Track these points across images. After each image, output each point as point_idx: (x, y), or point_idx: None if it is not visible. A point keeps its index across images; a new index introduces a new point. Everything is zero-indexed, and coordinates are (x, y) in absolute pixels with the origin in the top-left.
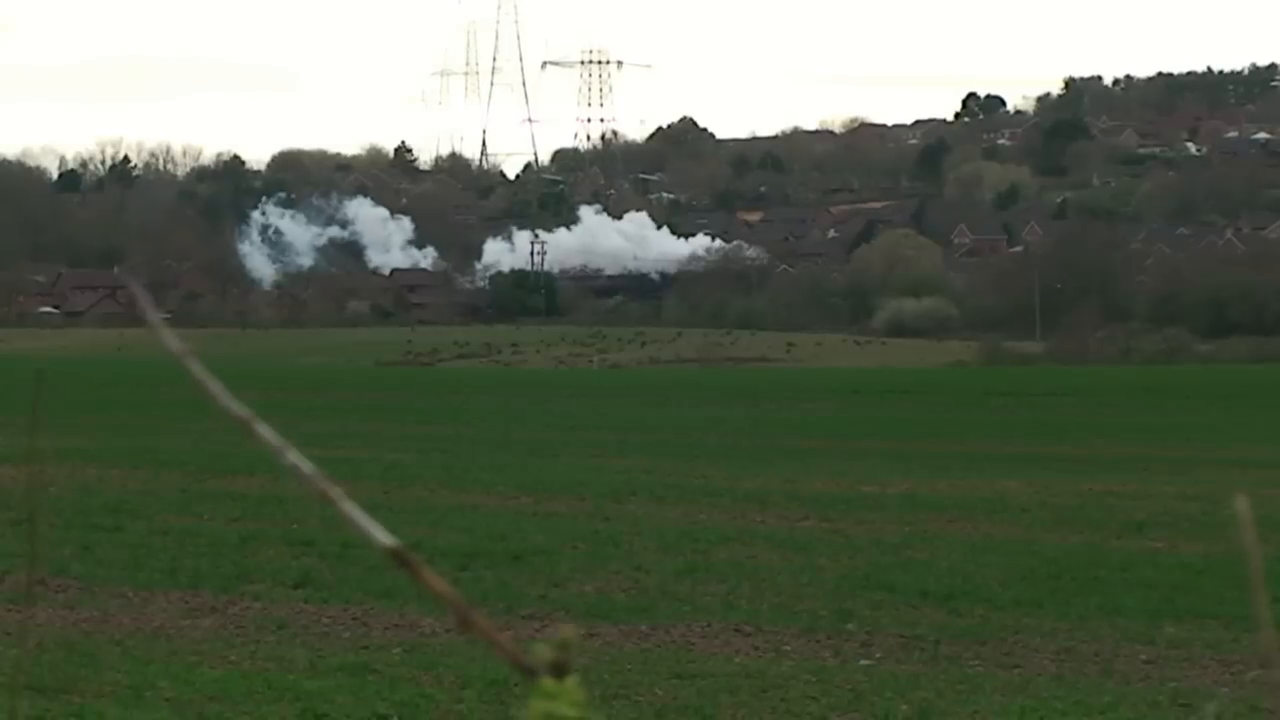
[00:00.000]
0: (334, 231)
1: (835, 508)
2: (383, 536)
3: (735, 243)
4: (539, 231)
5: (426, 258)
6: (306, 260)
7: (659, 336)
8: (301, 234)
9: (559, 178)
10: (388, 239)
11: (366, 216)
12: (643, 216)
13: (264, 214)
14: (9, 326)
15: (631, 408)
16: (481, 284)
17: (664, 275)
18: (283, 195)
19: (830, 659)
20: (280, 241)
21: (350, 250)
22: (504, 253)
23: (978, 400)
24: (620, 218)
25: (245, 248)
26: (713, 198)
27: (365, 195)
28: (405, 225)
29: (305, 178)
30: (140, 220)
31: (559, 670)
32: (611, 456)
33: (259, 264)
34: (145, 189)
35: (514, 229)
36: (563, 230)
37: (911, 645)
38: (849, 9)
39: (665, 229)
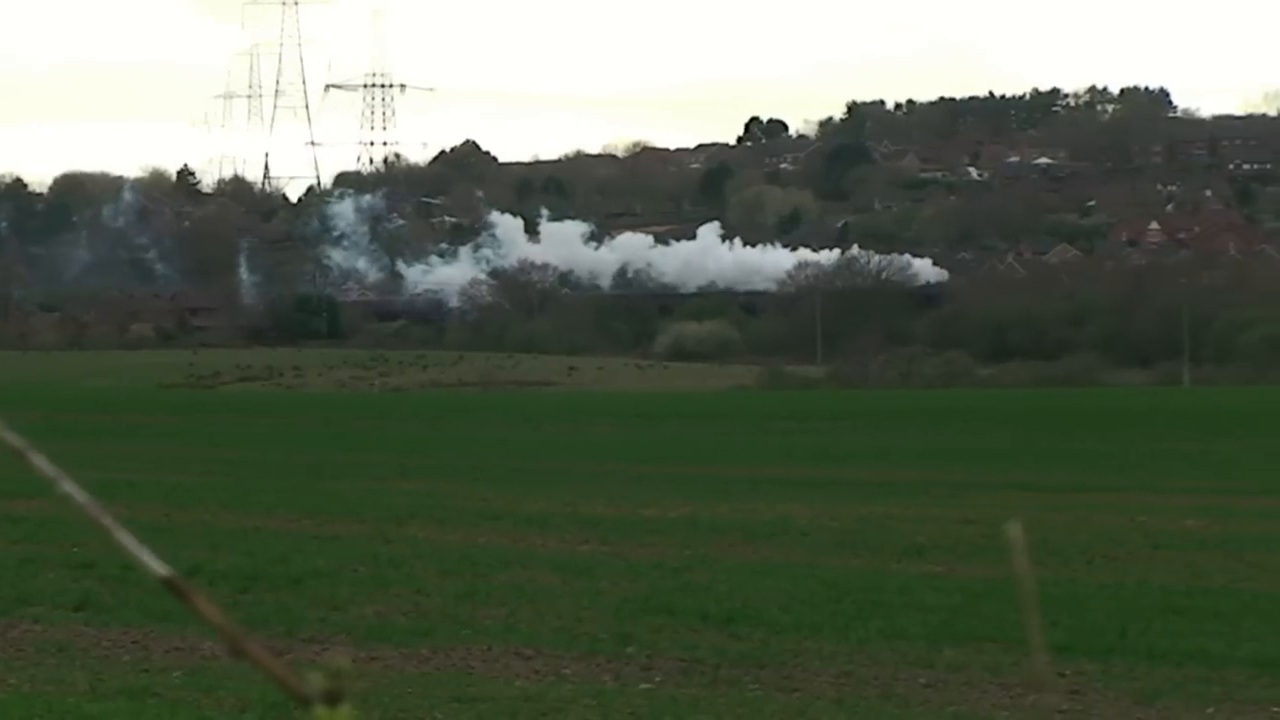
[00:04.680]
0: (94, 250)
1: (616, 531)
2: (156, 565)
3: (522, 260)
4: (327, 255)
5: (201, 280)
6: (68, 276)
7: (441, 360)
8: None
9: (341, 201)
10: (155, 255)
11: (132, 227)
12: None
13: None
14: None
15: (413, 431)
16: (262, 306)
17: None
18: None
19: (610, 682)
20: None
21: (108, 268)
22: (264, 276)
23: (759, 424)
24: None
25: None
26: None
27: (145, 217)
28: (172, 244)
29: (88, 199)
30: None
31: (333, 699)
32: (392, 480)
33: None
34: None
35: (248, 250)
36: (348, 252)
37: (691, 668)
38: (631, 32)
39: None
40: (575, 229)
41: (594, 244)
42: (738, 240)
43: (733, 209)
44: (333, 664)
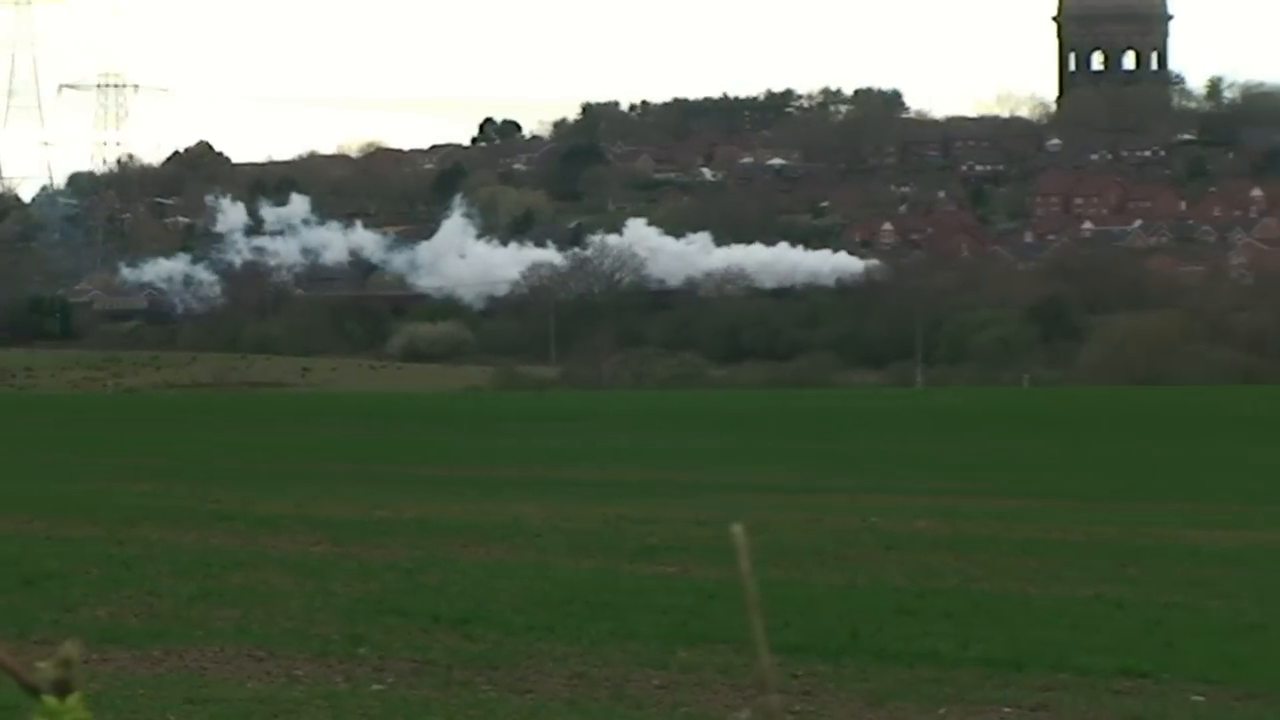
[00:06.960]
0: None
1: (348, 532)
2: None
3: (252, 259)
4: (57, 255)
5: None
6: None
7: (174, 360)
8: None
9: (74, 201)
10: None
11: None
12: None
13: None
14: None
15: (145, 432)
16: None
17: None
18: None
19: (342, 684)
20: None
21: None
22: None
23: (492, 425)
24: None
25: None
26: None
27: None
28: None
29: None
30: None
31: (62, 688)
32: (125, 481)
33: None
34: None
35: None
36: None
37: (424, 670)
38: (364, 33)
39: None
40: (302, 207)
41: (324, 229)
42: (472, 240)
43: (467, 209)
44: (62, 653)
